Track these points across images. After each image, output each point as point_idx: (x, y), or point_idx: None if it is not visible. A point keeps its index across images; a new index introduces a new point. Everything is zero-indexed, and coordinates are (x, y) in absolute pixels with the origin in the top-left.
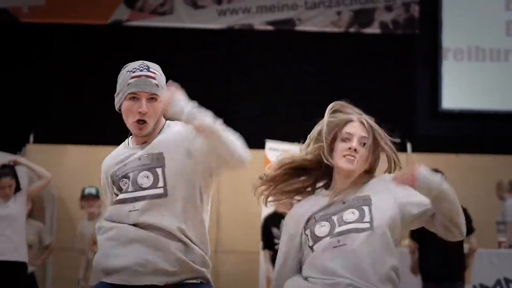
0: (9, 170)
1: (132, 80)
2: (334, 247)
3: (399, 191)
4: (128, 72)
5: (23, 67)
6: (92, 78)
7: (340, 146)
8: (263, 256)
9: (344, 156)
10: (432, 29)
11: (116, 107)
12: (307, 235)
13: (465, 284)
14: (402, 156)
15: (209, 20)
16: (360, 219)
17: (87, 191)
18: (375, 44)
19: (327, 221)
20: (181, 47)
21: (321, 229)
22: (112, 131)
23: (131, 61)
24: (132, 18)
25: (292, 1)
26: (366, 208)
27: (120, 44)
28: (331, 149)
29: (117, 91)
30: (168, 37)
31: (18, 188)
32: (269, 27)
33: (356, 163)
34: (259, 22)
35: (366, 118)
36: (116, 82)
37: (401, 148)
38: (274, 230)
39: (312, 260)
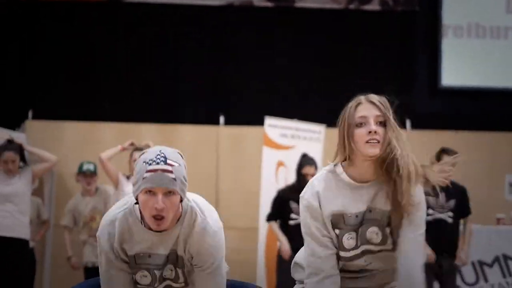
0: (14, 145)
1: (148, 174)
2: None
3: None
4: (144, 164)
5: (21, 44)
6: (91, 55)
7: (358, 133)
8: (265, 230)
9: (366, 142)
10: (432, 6)
11: (134, 196)
12: (336, 234)
13: (455, 261)
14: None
15: None
16: (383, 243)
17: (85, 167)
18: (375, 21)
19: (355, 232)
20: (181, 23)
21: (349, 241)
22: (110, 108)
23: (130, 39)
24: None
25: None
26: (388, 230)
27: (119, 21)
28: (348, 137)
29: (134, 180)
30: (167, 13)
31: (23, 162)
32: (269, 4)
33: (381, 146)
34: None
35: (374, 96)
36: (116, 58)
37: (401, 125)
38: (293, 205)
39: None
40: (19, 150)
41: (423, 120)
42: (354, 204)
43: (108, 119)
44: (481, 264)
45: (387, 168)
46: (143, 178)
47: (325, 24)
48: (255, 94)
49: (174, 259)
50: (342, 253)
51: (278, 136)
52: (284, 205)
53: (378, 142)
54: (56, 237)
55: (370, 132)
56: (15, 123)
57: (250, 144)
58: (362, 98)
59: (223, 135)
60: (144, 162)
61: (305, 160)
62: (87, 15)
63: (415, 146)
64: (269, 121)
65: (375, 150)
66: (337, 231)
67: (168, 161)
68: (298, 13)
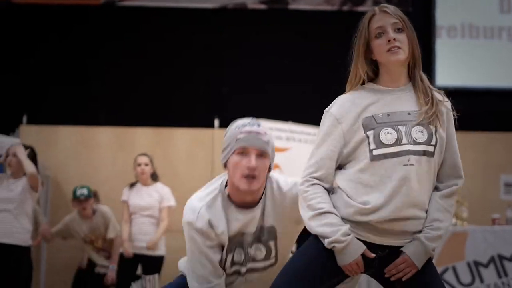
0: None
1: (242, 135)
2: (404, 165)
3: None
4: (236, 128)
5: (15, 48)
6: (86, 59)
7: (378, 44)
8: None
9: (387, 51)
10: (425, 6)
11: (222, 162)
12: (367, 136)
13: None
14: None
15: None
16: (428, 141)
17: (78, 192)
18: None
19: (393, 129)
20: (175, 26)
21: (387, 136)
22: (105, 112)
23: (125, 43)
24: None
25: None
26: (433, 129)
27: (114, 25)
28: (371, 52)
29: (224, 145)
30: (161, 16)
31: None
32: (262, 6)
33: (403, 52)
34: (252, 1)
35: (388, 6)
36: (110, 62)
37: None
38: None
39: (377, 172)
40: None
41: None
42: (387, 107)
43: (103, 123)
44: (476, 264)
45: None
46: (237, 140)
47: (319, 26)
48: (249, 97)
49: (264, 234)
50: (379, 151)
51: (273, 138)
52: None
53: (400, 48)
54: (52, 243)
55: (389, 40)
56: (9, 128)
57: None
58: (375, 8)
59: (218, 138)
60: (237, 127)
61: None
62: (81, 19)
63: None
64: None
65: (398, 57)
66: (370, 132)
67: (261, 126)
68: (292, 15)
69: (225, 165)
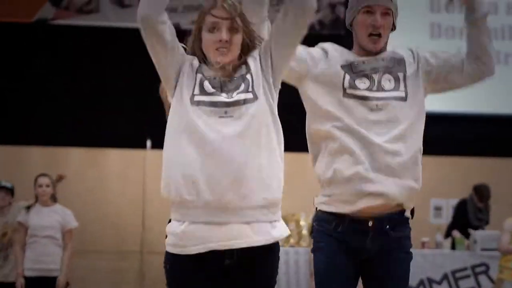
0: None
1: None
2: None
3: None
4: None
5: None
6: (17, 77)
7: (208, 38)
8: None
9: (216, 49)
10: None
11: (347, 23)
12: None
13: None
14: None
15: (135, 19)
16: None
17: (3, 183)
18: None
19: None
20: (108, 46)
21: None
22: (36, 132)
23: (57, 61)
24: (58, 16)
25: None
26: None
27: (46, 43)
28: (200, 39)
29: (349, 6)
30: (94, 36)
31: None
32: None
33: (230, 54)
34: (186, 22)
35: (229, 2)
36: (42, 80)
37: None
38: None
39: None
40: None
41: None
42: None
43: (34, 142)
44: None
45: None
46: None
47: None
48: None
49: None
50: None
51: None
52: None
53: (229, 50)
54: None
55: (220, 40)
56: None
57: None
58: (217, 2)
59: (150, 159)
60: None
61: None
62: (12, 37)
63: None
64: None
65: (223, 58)
66: None
67: None
68: None
69: (351, 25)
